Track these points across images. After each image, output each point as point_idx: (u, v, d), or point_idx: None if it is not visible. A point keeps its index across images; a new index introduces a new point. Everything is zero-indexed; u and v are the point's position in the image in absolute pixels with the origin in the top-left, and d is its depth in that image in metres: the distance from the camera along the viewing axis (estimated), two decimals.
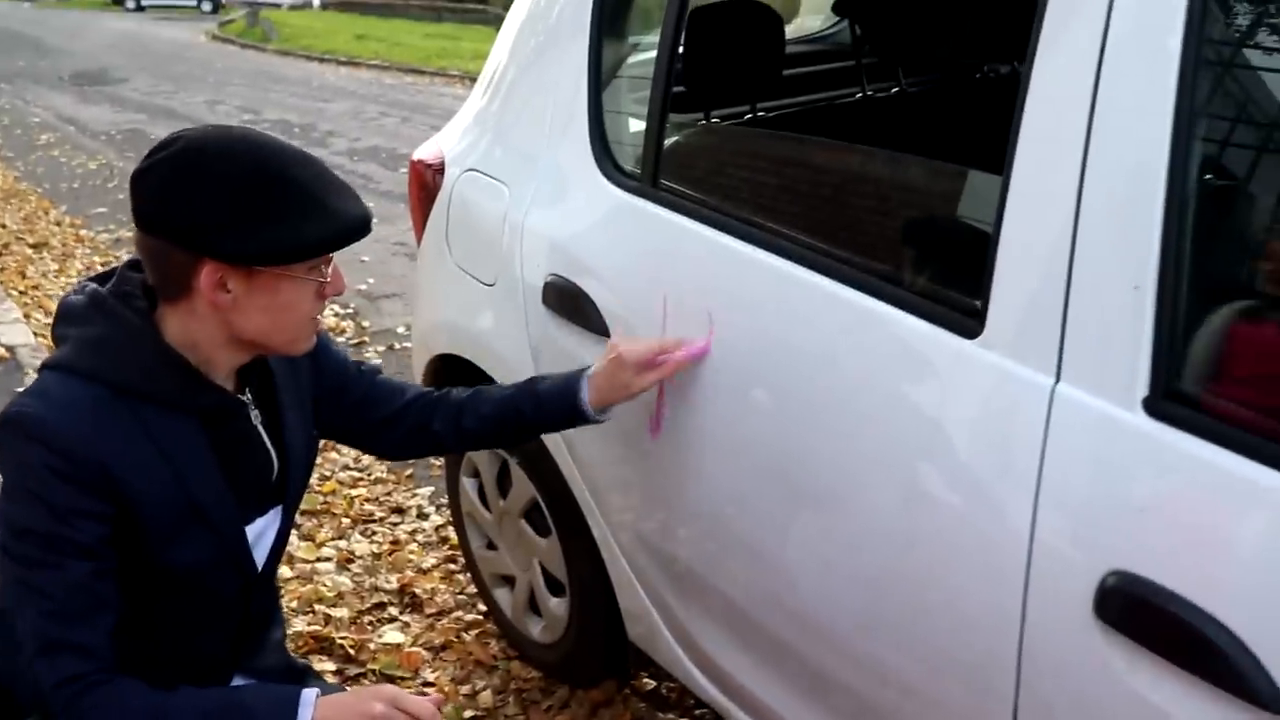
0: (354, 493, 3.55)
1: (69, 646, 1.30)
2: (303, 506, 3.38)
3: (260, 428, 1.50)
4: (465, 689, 2.58)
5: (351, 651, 2.71)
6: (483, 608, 2.83)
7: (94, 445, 1.30)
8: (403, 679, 2.61)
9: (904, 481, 1.44)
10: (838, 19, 3.33)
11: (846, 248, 1.61)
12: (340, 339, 4.78)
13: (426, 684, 2.60)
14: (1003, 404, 1.32)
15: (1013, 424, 1.30)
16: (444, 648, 2.74)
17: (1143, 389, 1.18)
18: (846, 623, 1.60)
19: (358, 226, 1.36)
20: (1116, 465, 1.21)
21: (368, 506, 3.48)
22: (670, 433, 1.81)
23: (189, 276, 1.31)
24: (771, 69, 2.39)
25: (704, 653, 1.95)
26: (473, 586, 2.87)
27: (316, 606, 2.89)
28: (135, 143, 10.25)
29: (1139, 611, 1.17)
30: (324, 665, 2.65)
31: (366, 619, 2.87)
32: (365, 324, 5.07)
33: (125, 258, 1.51)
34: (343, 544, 3.23)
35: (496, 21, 2.45)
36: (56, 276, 6.01)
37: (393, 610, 2.91)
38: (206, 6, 34.47)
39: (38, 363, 3.30)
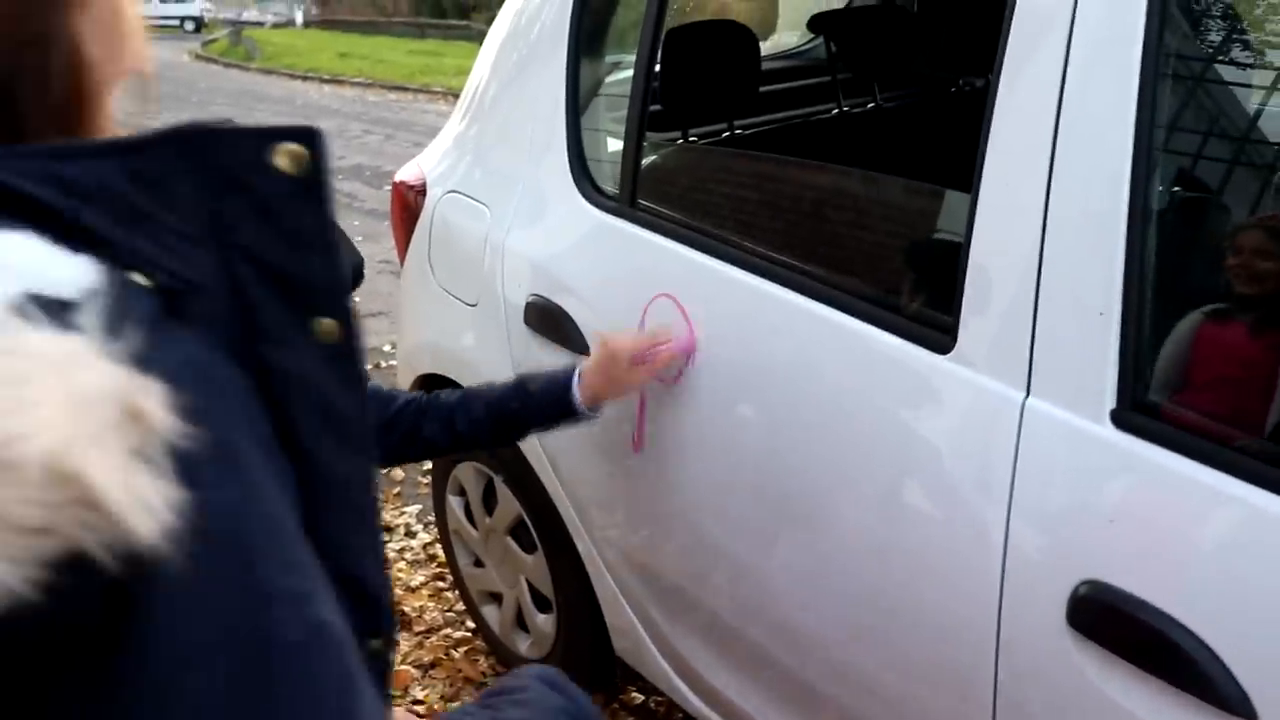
0: None
1: None
2: None
3: None
4: (455, 706, 2.59)
5: None
6: (471, 625, 2.84)
7: None
8: (393, 697, 2.62)
9: (880, 495, 1.47)
10: (814, 35, 3.37)
11: (822, 265, 1.64)
12: None
13: (416, 701, 2.61)
14: (975, 418, 1.35)
15: (985, 437, 1.33)
16: (433, 665, 2.75)
17: (1110, 401, 1.21)
18: (828, 635, 1.62)
19: None
20: (1086, 476, 1.23)
21: None
22: (652, 448, 1.83)
23: None
24: (747, 87, 2.42)
25: (689, 666, 1.96)
26: (461, 604, 2.89)
27: None
28: None
29: (1110, 619, 1.20)
30: None
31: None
32: None
33: None
34: None
35: (479, 38, 2.47)
36: None
37: None
38: (189, 26, 34.49)
39: None
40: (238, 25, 25.80)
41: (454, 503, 2.64)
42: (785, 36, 3.59)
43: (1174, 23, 1.21)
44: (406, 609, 2.98)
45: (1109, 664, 1.20)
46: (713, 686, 1.92)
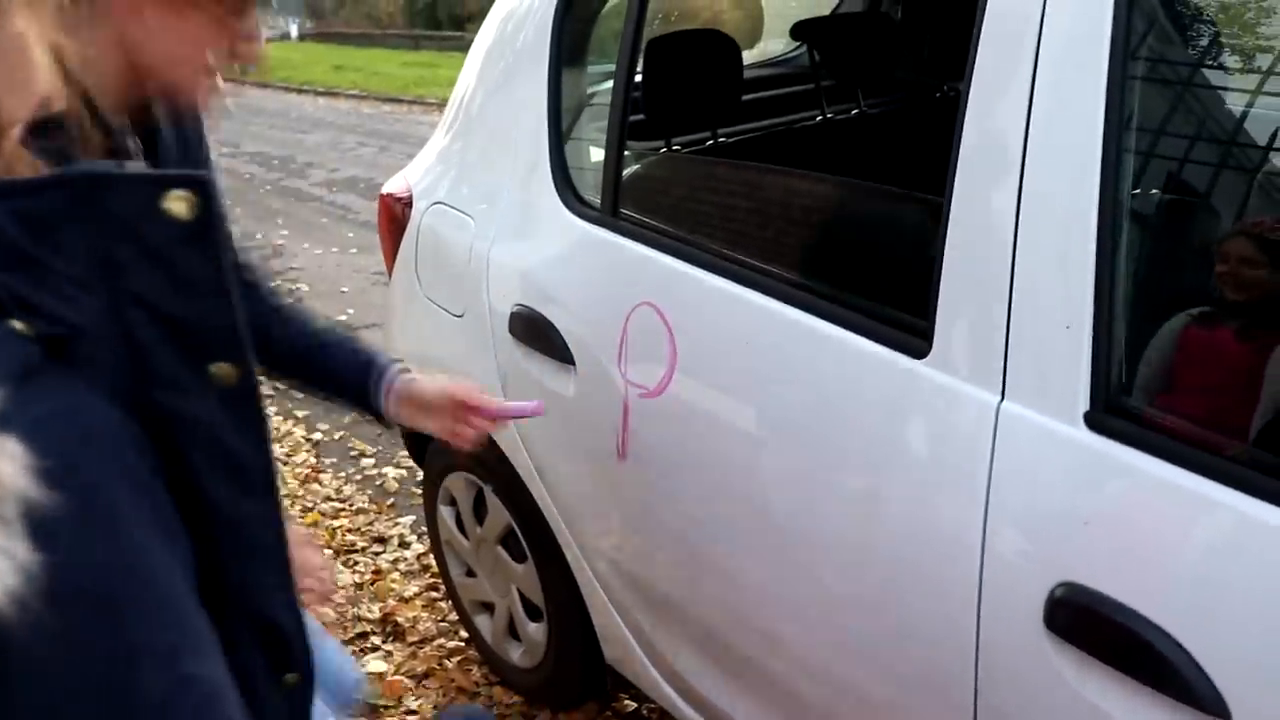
0: (336, 524, 3.56)
1: None
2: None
3: None
4: None
5: None
6: (464, 634, 2.85)
7: None
8: (386, 708, 2.63)
9: (860, 500, 1.48)
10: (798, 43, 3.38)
11: (800, 272, 1.65)
12: None
13: (410, 712, 2.61)
14: (951, 422, 1.35)
15: (961, 441, 1.34)
16: (427, 675, 2.76)
17: (1084, 404, 1.22)
18: (811, 640, 1.63)
19: None
20: (1061, 479, 1.24)
21: (350, 537, 3.50)
22: (636, 456, 1.84)
23: None
24: (730, 96, 2.43)
25: (677, 673, 1.97)
26: (454, 614, 2.89)
27: None
28: None
29: (1086, 621, 1.20)
30: None
31: (350, 649, 2.88)
32: None
33: None
34: None
35: None
36: None
37: (375, 639, 2.93)
38: None
39: None
40: None
41: (445, 513, 2.65)
42: (772, 44, 3.60)
43: (1141, 27, 1.22)
44: (400, 619, 2.99)
45: (1086, 666, 1.21)
46: (702, 694, 1.92)
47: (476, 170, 2.30)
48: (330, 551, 3.39)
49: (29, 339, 0.56)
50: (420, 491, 3.52)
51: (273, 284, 1.55)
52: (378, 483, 3.87)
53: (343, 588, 3.17)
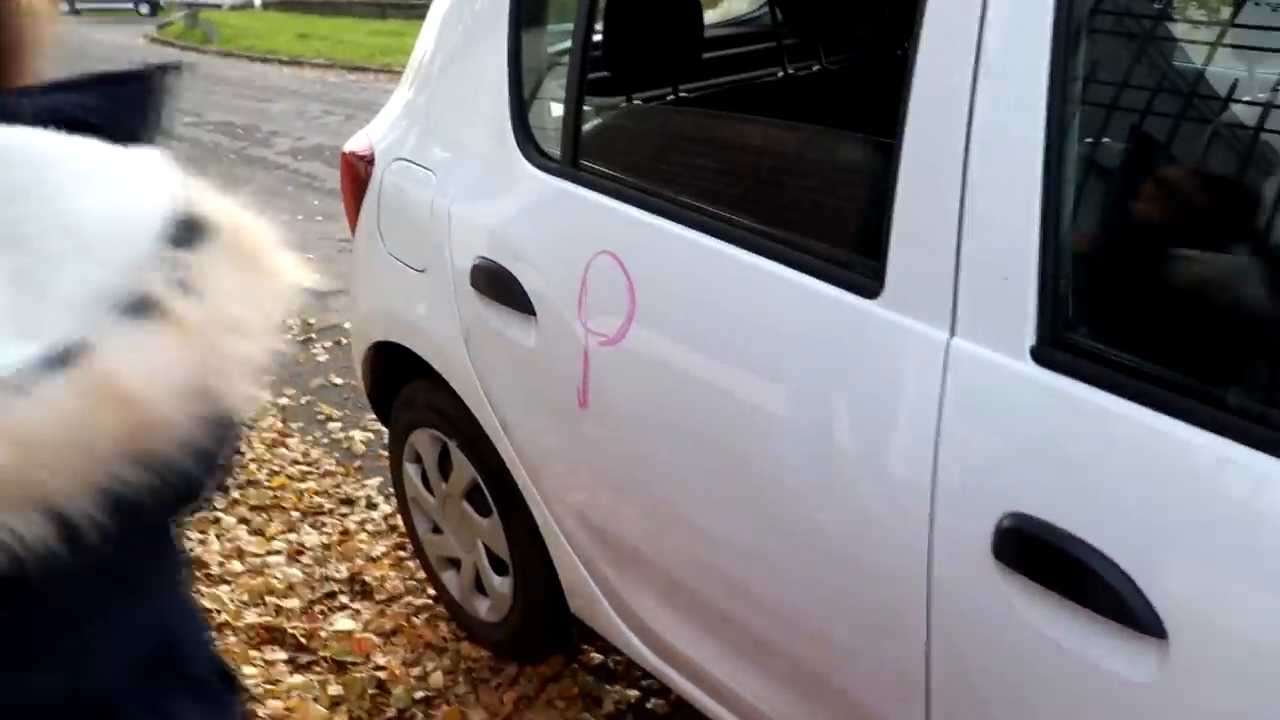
0: (303, 486, 3.57)
1: None
2: (252, 501, 3.43)
3: None
4: (416, 671, 2.62)
5: (303, 640, 2.73)
6: (431, 591, 2.87)
7: None
8: (355, 664, 2.64)
9: (816, 439, 1.50)
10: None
11: (756, 217, 1.66)
12: (287, 336, 4.79)
13: (378, 668, 2.63)
14: (902, 359, 1.38)
15: (912, 377, 1.36)
16: (395, 632, 2.77)
17: (1030, 339, 1.25)
18: (773, 584, 1.66)
19: None
20: (1008, 412, 1.27)
21: (317, 499, 3.50)
22: (598, 405, 1.86)
23: None
24: (691, 52, 2.43)
25: (641, 621, 2.00)
26: (421, 572, 2.91)
27: (267, 599, 2.91)
28: None
29: (1032, 549, 1.23)
30: (276, 654, 2.67)
31: (318, 608, 2.90)
32: (312, 321, 5.07)
33: None
34: (293, 536, 3.25)
35: None
36: None
37: (343, 598, 2.94)
38: (144, 9, 33.95)
39: None
40: (194, 7, 25.39)
41: (411, 470, 2.66)
42: (737, 3, 3.61)
43: None
44: (368, 578, 3.00)
45: (1033, 593, 1.24)
46: (667, 642, 1.95)
47: (439, 126, 2.30)
48: (298, 514, 3.40)
49: None
50: (386, 453, 3.54)
51: None
52: (345, 446, 3.87)
53: (310, 549, 3.18)
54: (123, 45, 21.84)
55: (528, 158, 2.01)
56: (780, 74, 2.92)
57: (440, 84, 2.33)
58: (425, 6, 2.46)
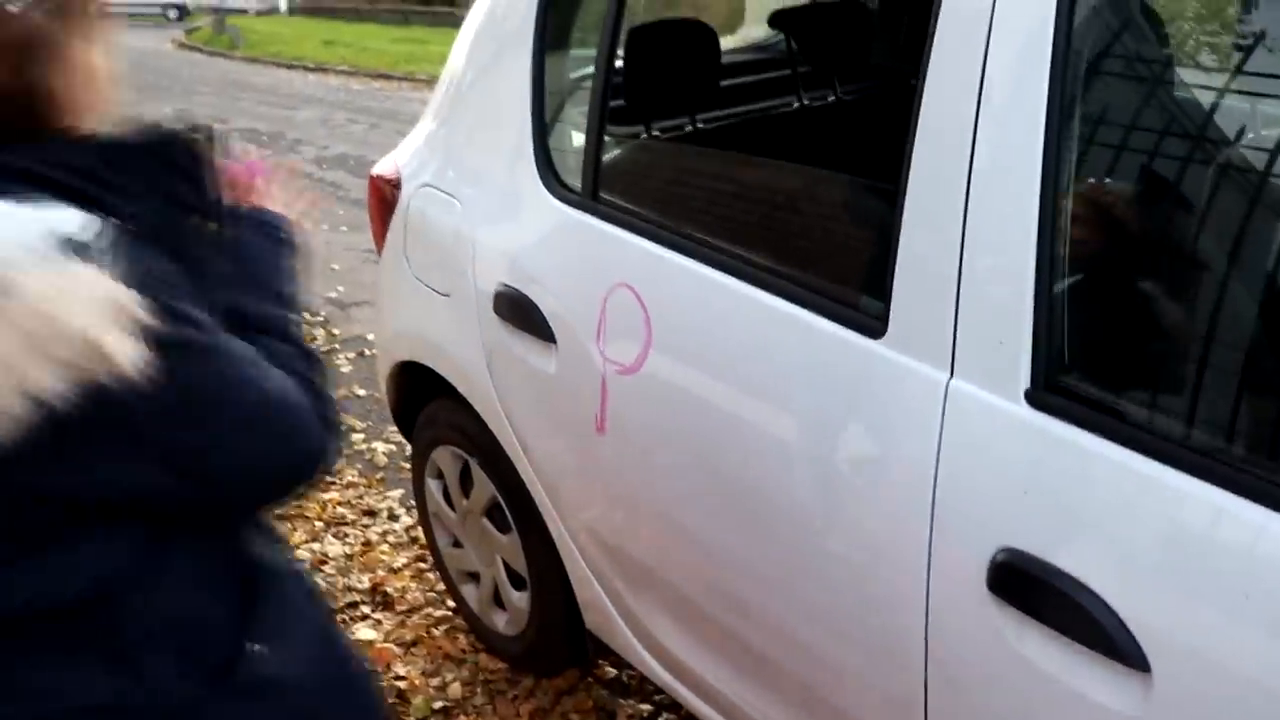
0: (326, 496, 3.65)
1: None
2: (276, 510, 3.50)
3: None
4: (435, 681, 2.69)
5: None
6: (451, 604, 2.94)
7: None
8: (375, 674, 2.72)
9: (820, 472, 1.57)
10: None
11: (769, 255, 1.73)
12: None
13: (398, 678, 2.70)
14: (904, 398, 1.44)
15: (914, 416, 1.43)
16: (415, 643, 2.85)
17: (1025, 382, 1.31)
18: (777, 605, 1.72)
19: None
20: (1003, 452, 1.33)
21: (340, 509, 3.58)
22: (615, 431, 1.92)
23: None
24: (708, 83, 2.50)
25: (654, 639, 2.06)
26: (441, 584, 2.98)
27: None
28: None
29: (1024, 583, 1.30)
30: None
31: (340, 617, 2.97)
32: (336, 331, 5.16)
33: None
34: (316, 546, 3.34)
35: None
36: None
37: (365, 609, 3.02)
38: (172, 14, 34.23)
39: None
40: (221, 13, 25.62)
41: (433, 486, 2.74)
42: (754, 30, 3.67)
43: (1084, 18, 1.30)
44: (389, 589, 3.08)
45: (1024, 625, 1.30)
46: (678, 659, 2.02)
47: (463, 154, 2.38)
48: (321, 524, 3.48)
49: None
50: (409, 465, 3.61)
51: None
52: (367, 457, 3.95)
53: (333, 559, 3.26)
54: (151, 50, 22.03)
55: (549, 189, 2.08)
56: (795, 104, 2.99)
57: (465, 111, 2.40)
58: (449, 14, 2.54)
